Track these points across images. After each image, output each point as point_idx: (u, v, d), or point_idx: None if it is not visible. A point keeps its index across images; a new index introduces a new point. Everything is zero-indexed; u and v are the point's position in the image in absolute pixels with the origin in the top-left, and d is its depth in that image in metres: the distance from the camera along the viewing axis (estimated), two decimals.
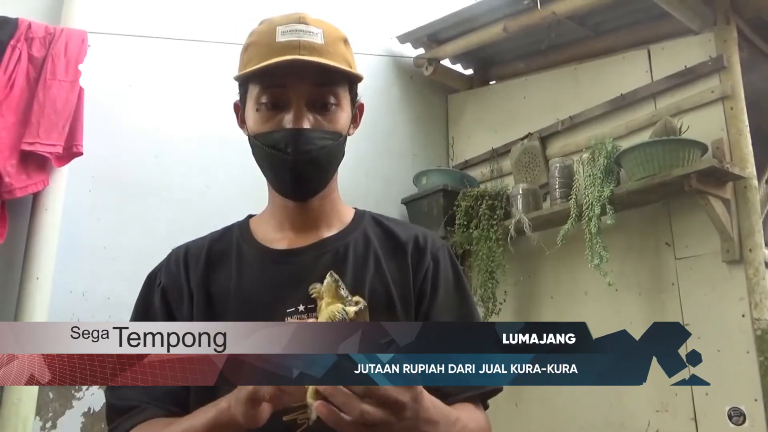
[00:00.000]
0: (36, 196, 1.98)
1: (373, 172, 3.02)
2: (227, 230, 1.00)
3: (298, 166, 0.88)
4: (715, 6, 2.48)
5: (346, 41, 0.93)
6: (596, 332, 2.70)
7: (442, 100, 3.46)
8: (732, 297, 2.22)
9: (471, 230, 2.78)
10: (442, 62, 3.28)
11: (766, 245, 2.33)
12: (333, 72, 0.88)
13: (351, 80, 0.92)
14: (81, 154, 2.02)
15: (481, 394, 0.90)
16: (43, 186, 1.96)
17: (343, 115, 0.91)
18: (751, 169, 2.33)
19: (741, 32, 2.51)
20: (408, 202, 3.06)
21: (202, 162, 2.51)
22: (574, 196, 2.51)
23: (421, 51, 3.29)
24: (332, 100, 0.89)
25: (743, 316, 2.18)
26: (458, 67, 3.41)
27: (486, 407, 0.93)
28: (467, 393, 0.87)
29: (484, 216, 2.76)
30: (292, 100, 0.87)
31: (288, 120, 0.87)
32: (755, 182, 2.34)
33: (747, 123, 2.36)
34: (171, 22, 2.48)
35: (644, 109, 2.62)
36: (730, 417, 2.13)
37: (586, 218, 2.40)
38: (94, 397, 2.09)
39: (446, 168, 3.24)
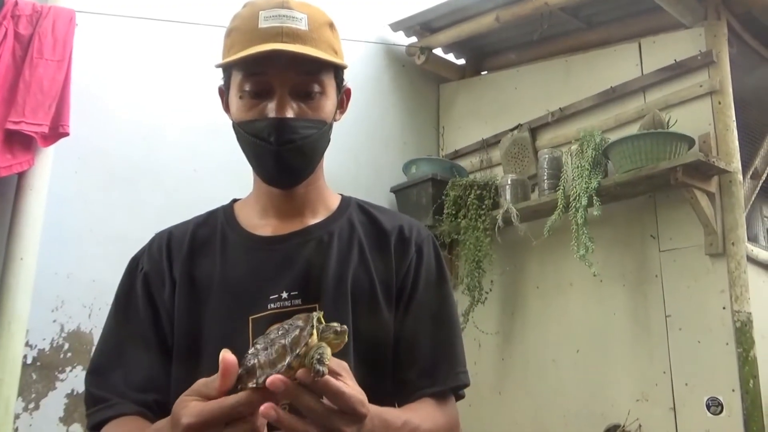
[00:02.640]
0: (21, 176, 1.97)
1: (362, 159, 3.02)
2: (211, 215, 0.99)
3: (281, 155, 0.86)
4: (707, 1, 2.49)
5: (332, 26, 0.92)
6: (581, 322, 2.77)
7: (433, 89, 3.45)
8: (714, 289, 2.25)
9: (459, 220, 2.79)
10: (434, 51, 3.27)
11: (748, 239, 2.36)
12: (317, 60, 0.86)
13: (336, 66, 0.91)
14: (67, 134, 2.00)
15: (451, 387, 0.90)
16: (29, 166, 1.94)
17: (328, 103, 0.90)
18: (737, 164, 2.35)
19: (731, 28, 2.53)
20: (397, 191, 3.06)
21: (191, 146, 2.49)
22: (561, 188, 2.53)
23: (413, 39, 3.27)
24: (316, 88, 0.87)
25: (724, 308, 2.21)
26: (450, 57, 3.41)
27: (460, 398, 0.93)
28: (435, 387, 0.88)
29: (472, 206, 2.77)
30: (275, 88, 0.85)
31: (271, 108, 0.85)
32: (740, 177, 2.37)
33: (734, 118, 2.38)
34: (161, 3, 2.45)
35: (633, 102, 2.63)
36: (708, 407, 2.17)
37: (573, 209, 2.41)
38: (77, 379, 2.08)
39: (436, 157, 3.24)
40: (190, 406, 0.63)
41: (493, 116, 3.14)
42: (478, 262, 2.71)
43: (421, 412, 0.84)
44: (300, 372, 0.62)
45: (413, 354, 0.89)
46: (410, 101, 3.34)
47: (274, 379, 0.60)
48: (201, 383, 0.65)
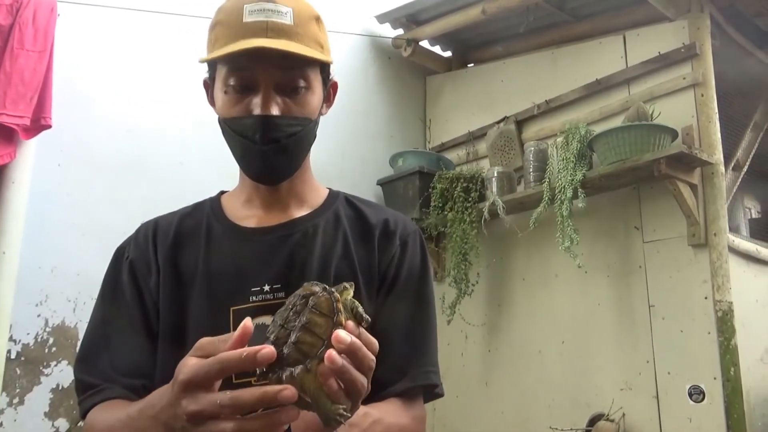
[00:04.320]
0: (2, 169, 1.94)
1: (349, 152, 3.02)
2: (198, 206, 0.99)
3: (266, 154, 0.86)
4: None
5: (318, 20, 0.91)
6: (566, 313, 2.80)
7: (419, 82, 3.45)
8: (696, 279, 2.29)
9: (446, 212, 2.80)
10: (420, 43, 3.27)
11: (730, 230, 2.40)
12: (302, 57, 0.85)
13: (322, 62, 0.90)
14: (50, 126, 1.97)
15: (422, 386, 0.89)
16: (10, 159, 1.92)
17: (314, 98, 0.89)
18: (719, 156, 2.38)
19: (714, 20, 2.55)
20: (384, 184, 3.07)
21: (177, 137, 2.47)
22: (547, 180, 2.54)
23: (400, 32, 3.27)
24: (302, 83, 0.87)
25: (706, 298, 2.25)
26: (437, 49, 3.41)
27: (433, 397, 0.91)
28: (403, 384, 0.86)
29: (458, 198, 2.78)
30: (260, 83, 0.85)
31: (256, 104, 0.84)
32: (722, 168, 2.39)
33: (717, 110, 2.41)
34: None
35: (618, 94, 2.65)
36: (690, 395, 2.21)
37: (559, 201, 2.43)
38: (62, 374, 2.07)
39: (422, 150, 3.25)
40: (188, 363, 0.61)
41: (480, 109, 3.15)
42: (464, 255, 2.72)
43: (385, 406, 0.82)
44: (349, 324, 0.62)
45: (384, 348, 0.88)
46: (396, 94, 3.33)
47: (339, 334, 0.59)
48: (206, 341, 0.62)
